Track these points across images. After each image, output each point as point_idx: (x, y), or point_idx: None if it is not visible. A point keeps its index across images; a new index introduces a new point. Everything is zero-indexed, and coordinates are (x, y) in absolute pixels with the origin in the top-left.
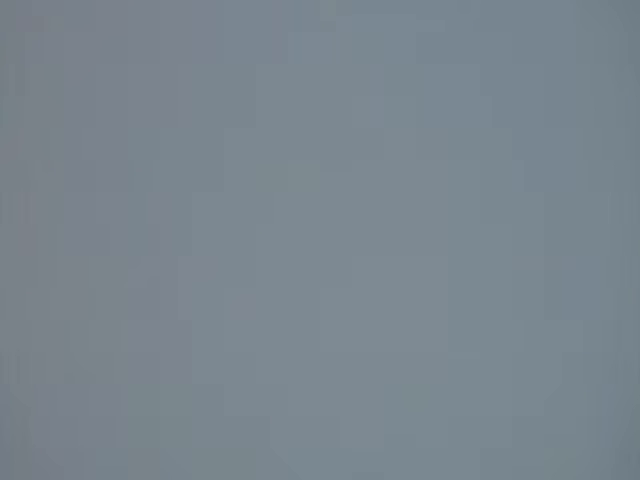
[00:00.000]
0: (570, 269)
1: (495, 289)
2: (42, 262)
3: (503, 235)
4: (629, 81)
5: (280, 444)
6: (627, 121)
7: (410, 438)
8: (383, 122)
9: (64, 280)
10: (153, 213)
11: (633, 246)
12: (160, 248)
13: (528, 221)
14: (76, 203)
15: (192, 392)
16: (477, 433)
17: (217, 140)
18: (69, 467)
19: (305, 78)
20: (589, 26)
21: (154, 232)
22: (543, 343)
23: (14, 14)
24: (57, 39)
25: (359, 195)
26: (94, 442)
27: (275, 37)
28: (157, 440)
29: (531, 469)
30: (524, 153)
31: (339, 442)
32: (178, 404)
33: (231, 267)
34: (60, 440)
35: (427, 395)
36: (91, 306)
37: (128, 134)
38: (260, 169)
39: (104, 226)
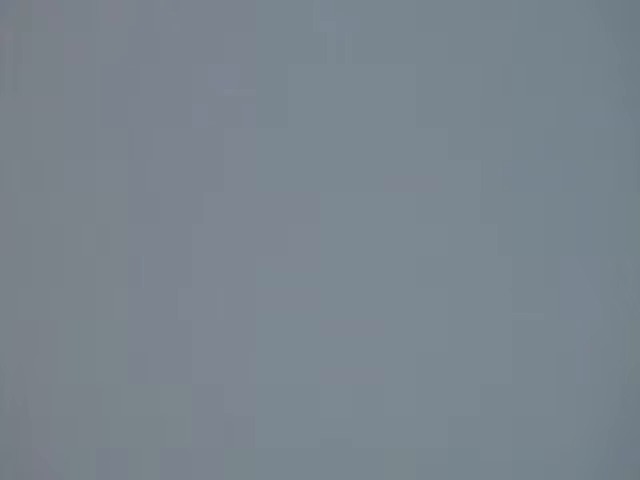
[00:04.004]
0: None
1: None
2: (41, 263)
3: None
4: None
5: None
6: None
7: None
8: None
9: (64, 281)
10: (155, 219)
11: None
12: (160, 250)
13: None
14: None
15: (191, 392)
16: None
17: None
18: (69, 468)
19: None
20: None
21: (155, 236)
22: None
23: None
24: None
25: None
26: (93, 442)
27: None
28: (157, 440)
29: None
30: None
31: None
32: (177, 404)
33: (232, 265)
34: (60, 441)
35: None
36: (93, 306)
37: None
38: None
39: (105, 226)
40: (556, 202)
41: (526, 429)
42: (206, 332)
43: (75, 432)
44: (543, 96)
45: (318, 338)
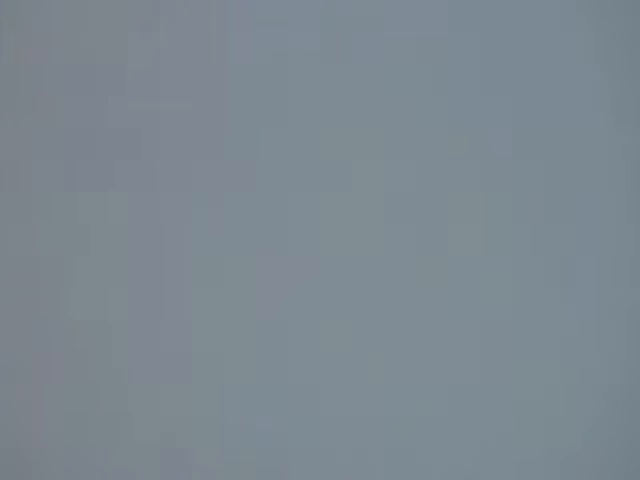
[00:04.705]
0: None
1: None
2: (42, 262)
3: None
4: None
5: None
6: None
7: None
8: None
9: (65, 283)
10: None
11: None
12: (160, 251)
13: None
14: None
15: (191, 391)
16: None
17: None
18: (66, 468)
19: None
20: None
21: (153, 236)
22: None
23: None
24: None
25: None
26: (96, 442)
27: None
28: (156, 440)
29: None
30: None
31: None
32: (177, 404)
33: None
34: (61, 442)
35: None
36: (90, 306)
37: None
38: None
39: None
40: (556, 202)
41: (526, 429)
42: (206, 332)
43: (72, 432)
44: (542, 97)
45: (319, 338)
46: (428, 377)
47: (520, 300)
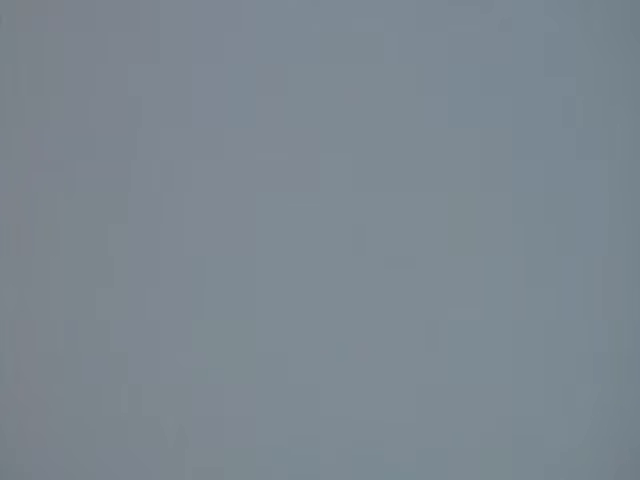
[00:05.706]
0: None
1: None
2: (40, 261)
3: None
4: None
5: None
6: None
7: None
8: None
9: (62, 280)
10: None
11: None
12: (154, 252)
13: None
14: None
15: (191, 391)
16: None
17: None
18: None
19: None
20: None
21: (145, 236)
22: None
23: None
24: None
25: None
26: (95, 442)
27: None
28: (154, 440)
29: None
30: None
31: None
32: (175, 404)
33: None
34: (59, 441)
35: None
36: (78, 305)
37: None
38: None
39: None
40: (555, 202)
41: (526, 429)
42: (205, 330)
43: (71, 432)
44: (542, 97)
45: (319, 338)
46: (428, 379)
47: (518, 299)
